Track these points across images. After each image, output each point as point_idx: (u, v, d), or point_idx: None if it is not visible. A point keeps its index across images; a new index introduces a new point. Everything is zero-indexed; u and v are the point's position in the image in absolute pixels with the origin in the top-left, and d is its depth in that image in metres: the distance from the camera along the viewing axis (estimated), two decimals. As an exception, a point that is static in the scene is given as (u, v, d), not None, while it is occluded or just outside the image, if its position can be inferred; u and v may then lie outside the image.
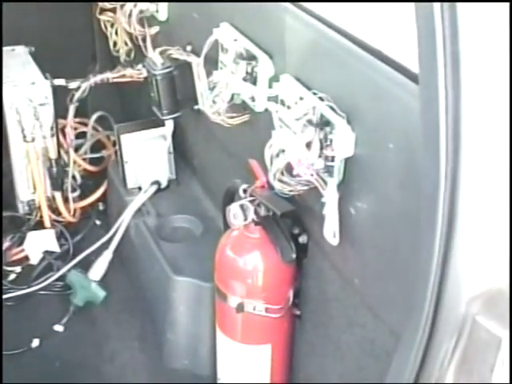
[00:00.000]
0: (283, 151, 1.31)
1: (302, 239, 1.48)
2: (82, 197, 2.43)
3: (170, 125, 2.05)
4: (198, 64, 1.64)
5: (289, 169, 1.32)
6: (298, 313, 1.58)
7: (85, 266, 2.17)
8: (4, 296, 2.14)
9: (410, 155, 1.03)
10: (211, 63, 1.64)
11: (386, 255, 1.19)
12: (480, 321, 0.90)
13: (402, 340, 0.91)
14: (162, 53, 1.90)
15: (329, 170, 1.21)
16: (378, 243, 1.21)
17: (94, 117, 2.48)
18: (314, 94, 1.23)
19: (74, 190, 2.39)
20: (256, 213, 1.46)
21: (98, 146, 2.56)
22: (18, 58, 2.38)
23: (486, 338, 0.91)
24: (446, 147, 0.73)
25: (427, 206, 0.79)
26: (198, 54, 1.75)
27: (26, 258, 2.26)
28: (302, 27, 1.32)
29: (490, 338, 0.90)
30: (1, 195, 2.26)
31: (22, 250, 2.27)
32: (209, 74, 1.63)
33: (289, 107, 1.29)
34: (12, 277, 2.22)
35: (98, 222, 2.45)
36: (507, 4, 0.80)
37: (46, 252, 2.26)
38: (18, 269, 2.24)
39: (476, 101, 0.77)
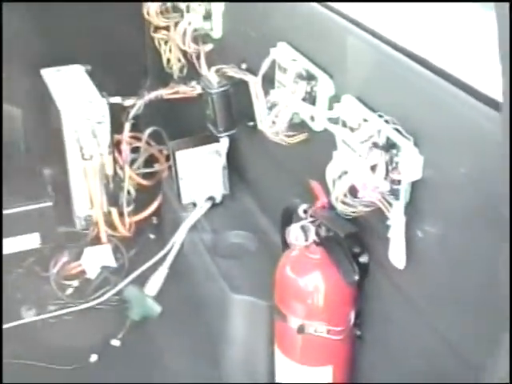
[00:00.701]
0: (345, 173, 1.30)
1: (363, 259, 1.46)
2: (136, 211, 2.46)
3: (225, 142, 2.07)
4: (255, 83, 1.65)
5: (352, 190, 1.31)
6: (358, 333, 1.56)
7: (141, 280, 2.19)
8: (63, 311, 2.19)
9: (483, 181, 1.01)
10: (267, 81, 1.64)
11: (455, 280, 1.17)
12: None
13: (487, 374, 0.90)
14: (217, 71, 1.91)
15: (395, 193, 1.20)
16: (448, 267, 1.19)
17: (148, 132, 2.50)
18: (380, 116, 1.22)
19: (128, 204, 2.42)
20: (317, 233, 1.46)
21: (150, 160, 2.59)
22: (75, 77, 2.44)
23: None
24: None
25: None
26: (252, 72, 1.76)
27: (83, 272, 2.30)
28: (364, 47, 1.31)
29: None
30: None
31: (79, 265, 2.31)
32: (265, 92, 1.63)
33: (351, 129, 1.28)
34: (69, 291, 2.26)
35: (152, 236, 2.48)
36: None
37: (103, 267, 2.30)
38: (75, 283, 2.29)
39: None
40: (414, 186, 1.19)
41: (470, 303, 1.15)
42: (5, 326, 2.09)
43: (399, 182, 1.18)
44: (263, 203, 2.10)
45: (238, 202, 2.19)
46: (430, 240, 1.19)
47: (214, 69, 1.91)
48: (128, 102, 2.27)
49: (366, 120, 1.25)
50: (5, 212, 2.24)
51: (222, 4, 1.96)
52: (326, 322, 1.48)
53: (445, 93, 1.09)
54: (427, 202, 1.18)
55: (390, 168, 1.19)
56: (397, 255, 1.24)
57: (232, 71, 1.84)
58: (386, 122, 1.21)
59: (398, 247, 1.22)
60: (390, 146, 1.19)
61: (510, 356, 0.86)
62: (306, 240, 1.45)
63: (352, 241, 1.46)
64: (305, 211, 1.47)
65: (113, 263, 2.32)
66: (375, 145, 1.20)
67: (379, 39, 1.27)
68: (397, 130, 1.18)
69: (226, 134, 2.00)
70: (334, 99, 1.40)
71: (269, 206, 2.03)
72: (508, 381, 0.91)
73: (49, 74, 2.45)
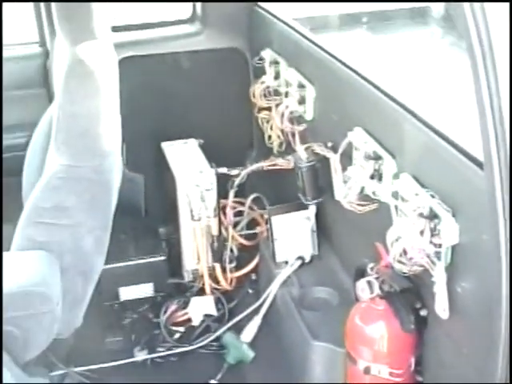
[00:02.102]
0: (401, 237, 1.56)
1: (423, 313, 1.70)
2: (237, 268, 2.73)
3: (312, 209, 2.36)
4: (334, 160, 1.95)
5: (406, 252, 1.57)
6: (419, 379, 1.78)
7: (238, 328, 2.46)
8: (169, 352, 2.47)
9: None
10: (346, 159, 1.94)
11: (488, 328, 1.38)
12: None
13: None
14: (306, 148, 2.23)
15: (438, 255, 1.45)
16: (483, 319, 1.41)
17: (250, 198, 2.80)
18: (427, 191, 1.49)
19: (231, 262, 2.70)
20: (381, 288, 1.71)
21: (252, 223, 2.88)
22: (190, 149, 2.78)
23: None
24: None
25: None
26: (336, 150, 2.07)
27: (189, 320, 2.58)
28: (416, 134, 1.59)
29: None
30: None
31: (186, 313, 2.59)
32: (344, 168, 1.93)
33: (406, 200, 1.55)
34: (177, 336, 2.53)
35: (250, 291, 2.72)
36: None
37: (206, 315, 2.58)
38: (181, 329, 2.56)
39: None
40: (454, 249, 1.44)
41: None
42: (119, 363, 2.39)
43: (440, 245, 1.43)
44: (345, 263, 2.34)
45: (325, 262, 2.44)
46: (467, 295, 1.43)
47: (303, 146, 2.23)
48: (233, 172, 2.60)
49: (417, 194, 1.52)
50: (124, 264, 2.57)
51: (314, 91, 2.29)
52: (389, 365, 1.72)
53: (475, 175, 1.35)
54: (463, 263, 1.42)
55: (433, 233, 1.45)
56: (441, 307, 1.48)
57: (318, 149, 2.15)
58: (432, 196, 1.47)
59: (441, 300, 1.46)
60: (433, 215, 1.45)
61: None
62: (372, 293, 1.71)
63: (413, 297, 1.70)
64: (371, 269, 1.74)
65: (214, 312, 2.58)
66: (421, 215, 1.46)
67: (428, 127, 1.54)
68: (439, 203, 1.45)
69: (314, 202, 2.30)
70: (395, 176, 1.68)
71: (349, 265, 2.28)
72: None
73: (167, 147, 2.81)
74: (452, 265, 1.45)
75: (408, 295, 1.68)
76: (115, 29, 2.12)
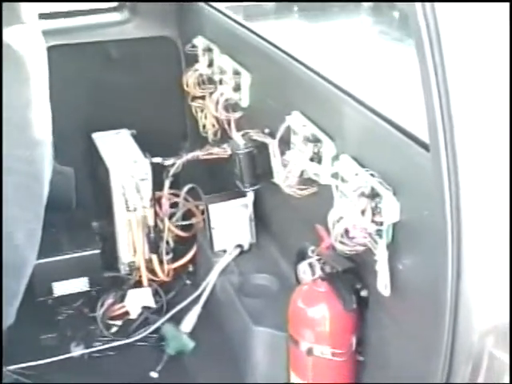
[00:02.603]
0: (342, 217, 1.58)
1: (364, 293, 1.73)
2: (174, 259, 2.71)
3: (250, 196, 2.37)
4: (273, 145, 1.95)
5: (347, 232, 1.58)
6: (361, 358, 1.81)
7: (177, 319, 2.44)
8: (106, 346, 2.44)
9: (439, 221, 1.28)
10: (284, 144, 1.94)
11: (431, 304, 1.41)
12: (496, 354, 1.12)
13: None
14: (243, 135, 2.22)
15: (379, 233, 1.48)
16: (424, 294, 1.44)
17: (185, 189, 2.78)
18: (367, 171, 1.51)
19: (167, 253, 2.69)
20: (322, 270, 1.73)
21: (188, 215, 2.86)
22: (122, 140, 2.75)
23: (502, 369, 1.11)
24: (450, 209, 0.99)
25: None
26: (273, 136, 2.07)
27: (127, 313, 2.55)
28: (356, 116, 1.61)
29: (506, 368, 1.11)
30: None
31: (123, 306, 2.56)
32: (282, 152, 1.93)
33: (347, 181, 1.57)
34: (114, 329, 2.50)
35: (188, 282, 2.71)
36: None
37: (144, 307, 2.55)
38: (119, 322, 2.52)
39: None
40: (395, 227, 1.47)
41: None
42: (55, 359, 2.33)
43: (382, 223, 1.46)
44: (285, 250, 2.36)
45: (264, 249, 2.46)
46: (408, 271, 1.46)
47: (240, 133, 2.23)
48: (168, 162, 2.58)
49: (357, 174, 1.54)
50: (57, 258, 2.51)
51: (249, 78, 2.29)
52: (331, 345, 1.73)
53: (414, 153, 1.38)
54: (404, 240, 1.45)
55: (375, 212, 1.47)
56: (383, 285, 1.50)
57: (256, 135, 2.15)
58: (372, 175, 1.49)
59: (383, 278, 1.49)
60: (374, 194, 1.47)
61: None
62: (313, 275, 1.72)
63: (354, 277, 1.73)
64: (312, 251, 1.75)
65: (152, 304, 2.56)
66: (363, 194, 1.48)
67: (365, 108, 1.57)
68: (380, 182, 1.47)
69: (251, 189, 2.30)
70: (335, 158, 1.70)
71: (289, 252, 2.29)
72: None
73: (99, 138, 2.75)
74: (393, 242, 1.48)
75: (349, 276, 1.70)
76: (42, 16, 2.06)
